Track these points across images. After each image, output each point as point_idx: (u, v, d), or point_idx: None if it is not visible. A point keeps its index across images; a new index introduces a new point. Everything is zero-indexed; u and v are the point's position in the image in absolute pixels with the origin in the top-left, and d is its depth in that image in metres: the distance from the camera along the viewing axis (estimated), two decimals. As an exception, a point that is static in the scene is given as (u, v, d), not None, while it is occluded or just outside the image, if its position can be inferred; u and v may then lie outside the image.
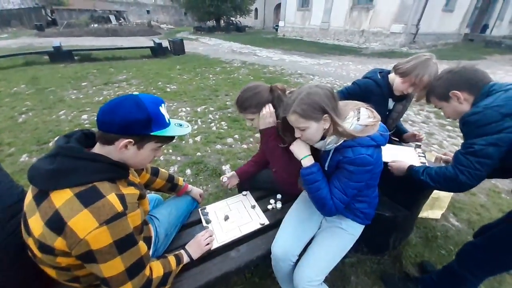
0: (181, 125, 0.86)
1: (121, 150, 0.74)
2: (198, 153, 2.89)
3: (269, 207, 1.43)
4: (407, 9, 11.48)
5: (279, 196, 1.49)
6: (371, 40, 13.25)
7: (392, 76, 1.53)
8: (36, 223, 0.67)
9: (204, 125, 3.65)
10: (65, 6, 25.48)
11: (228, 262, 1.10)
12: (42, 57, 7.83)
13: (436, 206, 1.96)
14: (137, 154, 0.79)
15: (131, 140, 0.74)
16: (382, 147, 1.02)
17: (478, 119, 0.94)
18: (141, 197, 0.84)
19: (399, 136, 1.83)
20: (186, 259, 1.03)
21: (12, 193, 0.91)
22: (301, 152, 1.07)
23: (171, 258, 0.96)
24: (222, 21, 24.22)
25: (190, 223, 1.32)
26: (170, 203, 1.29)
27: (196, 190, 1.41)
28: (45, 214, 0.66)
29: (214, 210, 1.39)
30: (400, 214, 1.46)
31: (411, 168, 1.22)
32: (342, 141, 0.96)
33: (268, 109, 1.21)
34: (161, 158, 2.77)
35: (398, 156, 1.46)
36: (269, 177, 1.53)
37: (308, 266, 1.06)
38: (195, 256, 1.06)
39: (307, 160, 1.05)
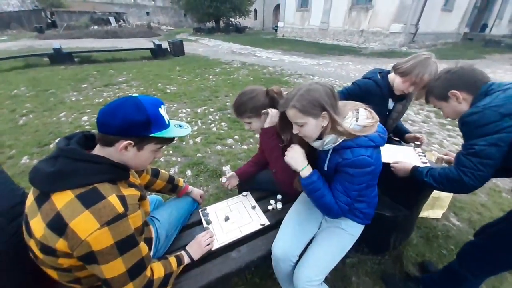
0: (180, 126, 0.87)
1: (121, 151, 0.75)
2: (199, 154, 2.90)
3: (269, 207, 1.43)
4: (406, 9, 11.50)
5: (279, 196, 1.50)
6: (370, 40, 13.27)
7: (392, 76, 1.53)
8: (37, 225, 0.67)
9: (204, 126, 3.65)
10: (64, 8, 25.54)
11: (228, 263, 1.10)
12: (42, 59, 7.85)
13: (437, 205, 1.96)
14: (137, 156, 0.79)
15: (131, 141, 0.74)
16: (381, 147, 1.02)
17: (477, 119, 0.94)
18: (142, 198, 0.84)
19: (400, 136, 1.83)
20: (186, 260, 1.03)
21: (14, 195, 0.91)
22: (298, 164, 1.05)
23: (172, 259, 0.96)
24: (222, 22, 24.26)
25: (191, 224, 1.33)
26: (171, 204, 1.29)
27: (196, 191, 1.41)
28: (46, 215, 0.66)
29: (215, 211, 1.40)
30: (401, 214, 1.46)
31: (415, 169, 1.22)
32: (341, 141, 0.96)
33: (275, 111, 1.22)
34: (162, 159, 2.78)
35: (397, 156, 1.46)
36: (269, 177, 1.53)
37: (308, 266, 1.07)
38: (195, 256, 1.06)
39: (305, 171, 1.04)
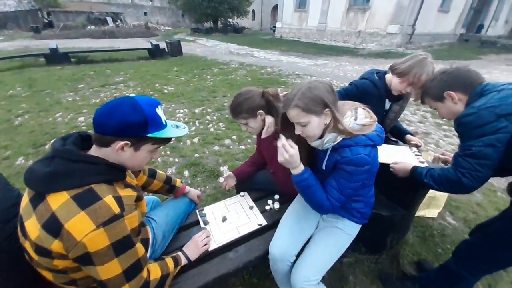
0: (178, 127, 0.87)
1: (118, 152, 0.74)
2: (196, 155, 2.89)
3: (267, 207, 1.43)
4: (403, 9, 11.57)
5: (276, 196, 1.50)
6: (367, 41, 13.33)
7: (389, 77, 1.54)
8: (32, 226, 0.67)
9: (202, 127, 3.65)
10: (61, 8, 25.37)
11: (226, 263, 1.10)
12: (38, 60, 7.79)
13: (433, 205, 1.97)
14: (134, 156, 0.79)
15: (127, 142, 0.74)
16: (378, 147, 1.03)
17: (473, 120, 0.95)
18: (138, 199, 0.84)
19: (400, 136, 1.82)
20: (183, 260, 1.03)
21: (9, 196, 0.90)
22: (292, 165, 1.00)
23: (169, 260, 0.96)
24: (220, 23, 24.27)
25: (188, 225, 1.32)
26: (168, 205, 1.29)
27: (194, 192, 1.41)
28: (41, 217, 0.65)
29: (212, 211, 1.39)
30: (397, 213, 1.47)
31: (414, 169, 1.22)
32: (340, 140, 0.96)
33: (270, 119, 1.22)
34: (159, 159, 2.77)
35: (395, 156, 1.47)
36: (267, 178, 1.54)
37: (306, 266, 1.07)
38: (192, 257, 1.06)
39: (297, 168, 1.01)
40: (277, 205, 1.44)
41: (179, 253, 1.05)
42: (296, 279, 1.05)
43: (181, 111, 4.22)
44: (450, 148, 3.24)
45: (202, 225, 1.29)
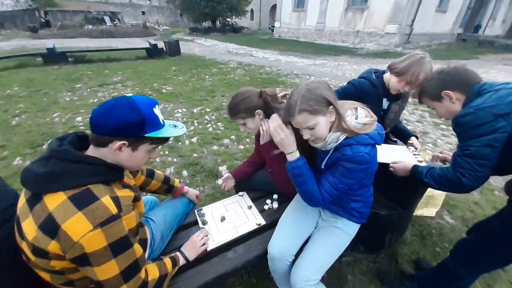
0: (175, 126, 0.86)
1: (115, 152, 0.74)
2: (195, 154, 2.89)
3: (266, 207, 1.43)
4: (401, 9, 11.61)
5: (275, 196, 1.50)
6: (366, 41, 13.36)
7: (387, 76, 1.54)
8: (29, 227, 0.66)
9: (200, 126, 3.64)
10: (59, 8, 25.22)
11: (225, 263, 1.10)
12: (35, 59, 7.74)
13: (431, 204, 1.98)
14: (131, 156, 0.78)
15: (125, 142, 0.73)
16: (377, 146, 1.03)
17: (471, 120, 0.95)
18: (136, 199, 0.84)
19: (402, 137, 1.80)
20: (182, 261, 1.03)
21: (6, 197, 0.89)
22: (286, 147, 1.01)
23: (167, 260, 0.95)
24: (218, 22, 24.22)
25: (187, 225, 1.32)
26: (166, 205, 1.29)
27: (192, 192, 1.40)
28: (38, 217, 0.65)
29: (211, 211, 1.39)
30: (395, 212, 1.48)
31: (415, 168, 1.22)
32: (342, 139, 0.96)
33: (267, 126, 1.21)
34: (157, 159, 2.76)
35: (394, 155, 1.47)
36: (266, 178, 1.53)
37: (305, 265, 1.07)
38: (191, 257, 1.06)
39: (292, 155, 1.02)
40: (275, 205, 1.44)
41: (178, 253, 1.04)
42: (295, 279, 1.05)
43: (180, 111, 4.21)
44: (448, 147, 3.26)
45: (200, 225, 1.29)
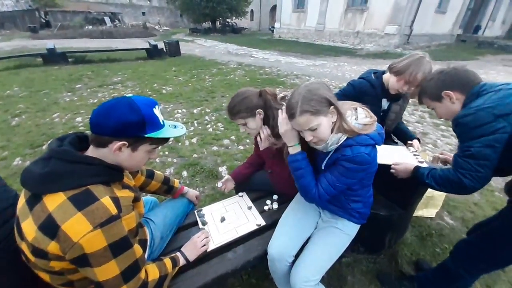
0: (175, 127, 0.86)
1: (115, 152, 0.74)
2: (195, 155, 2.88)
3: (266, 208, 1.43)
4: (401, 10, 11.62)
5: (275, 197, 1.50)
6: (365, 41, 13.38)
7: (386, 76, 1.55)
8: (29, 227, 0.66)
9: (200, 127, 3.64)
10: (59, 8, 25.24)
11: (224, 264, 1.10)
12: (35, 60, 7.75)
13: (431, 204, 1.98)
14: (131, 157, 0.78)
15: (125, 142, 0.73)
16: (377, 146, 1.03)
17: (471, 121, 0.95)
18: (136, 199, 0.84)
19: (404, 139, 1.79)
20: (182, 261, 1.03)
21: (5, 197, 0.89)
22: (289, 139, 1.04)
23: (167, 261, 0.95)
24: (218, 23, 24.25)
25: (186, 225, 1.32)
26: (166, 206, 1.28)
27: (192, 192, 1.40)
28: (38, 218, 0.65)
29: (210, 212, 1.39)
30: (395, 213, 1.48)
31: (416, 169, 1.21)
32: (343, 140, 0.96)
33: (265, 132, 1.23)
34: (157, 160, 2.76)
35: (394, 156, 1.47)
36: (265, 178, 1.53)
37: (305, 266, 1.07)
38: (191, 258, 1.06)
39: (294, 148, 1.05)
40: (275, 206, 1.44)
41: (178, 253, 1.04)
42: (295, 279, 1.05)
43: (180, 111, 4.22)
44: (447, 148, 3.26)
45: (200, 225, 1.29)
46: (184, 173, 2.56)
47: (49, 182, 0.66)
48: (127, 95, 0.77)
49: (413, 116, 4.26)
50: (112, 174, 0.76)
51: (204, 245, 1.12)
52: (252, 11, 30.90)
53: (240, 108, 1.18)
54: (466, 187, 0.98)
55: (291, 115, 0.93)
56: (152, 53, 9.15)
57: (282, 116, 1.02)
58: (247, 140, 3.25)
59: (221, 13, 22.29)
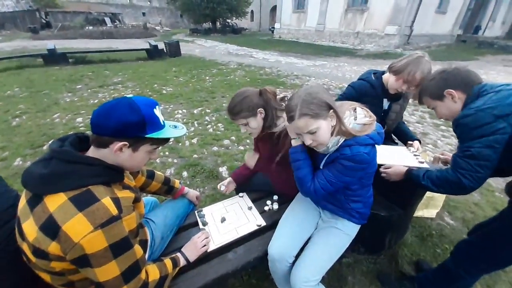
0: (176, 127, 0.86)
1: (116, 153, 0.74)
2: (195, 155, 2.89)
3: (266, 208, 1.43)
4: (401, 11, 11.62)
5: (275, 197, 1.50)
6: (366, 42, 13.38)
7: (386, 76, 1.55)
8: (30, 228, 0.66)
9: (200, 127, 3.64)
10: (59, 9, 25.29)
11: (225, 264, 1.10)
12: (36, 60, 7.76)
13: (431, 205, 1.98)
14: (132, 157, 0.78)
15: (126, 142, 0.73)
16: (376, 147, 1.03)
17: (471, 121, 0.95)
18: (136, 200, 0.84)
19: (404, 139, 1.78)
20: (182, 262, 1.03)
21: (6, 197, 0.90)
22: (293, 133, 1.05)
23: (168, 261, 0.95)
24: (218, 23, 24.28)
25: (187, 226, 1.32)
26: (167, 206, 1.29)
27: (192, 193, 1.40)
28: (39, 218, 0.65)
29: (211, 212, 1.39)
30: (395, 213, 1.47)
31: (410, 172, 1.21)
32: (342, 141, 0.97)
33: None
34: (158, 160, 2.76)
35: (394, 156, 1.47)
36: (265, 178, 1.53)
37: (305, 266, 1.07)
38: (191, 258, 1.06)
39: (295, 141, 1.07)
40: (276, 206, 1.44)
41: (178, 254, 1.04)
42: (295, 279, 1.05)
43: (180, 111, 4.22)
44: (448, 148, 3.26)
45: (201, 226, 1.29)
46: (185, 174, 2.56)
47: (50, 183, 0.66)
48: (127, 96, 0.77)
49: (413, 116, 4.26)
50: (112, 175, 0.76)
51: (205, 245, 1.12)
52: (252, 11, 30.93)
53: (241, 107, 1.18)
54: (465, 188, 0.98)
55: (290, 118, 0.93)
56: (153, 53, 9.16)
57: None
58: (247, 141, 3.25)
59: (222, 14, 22.33)
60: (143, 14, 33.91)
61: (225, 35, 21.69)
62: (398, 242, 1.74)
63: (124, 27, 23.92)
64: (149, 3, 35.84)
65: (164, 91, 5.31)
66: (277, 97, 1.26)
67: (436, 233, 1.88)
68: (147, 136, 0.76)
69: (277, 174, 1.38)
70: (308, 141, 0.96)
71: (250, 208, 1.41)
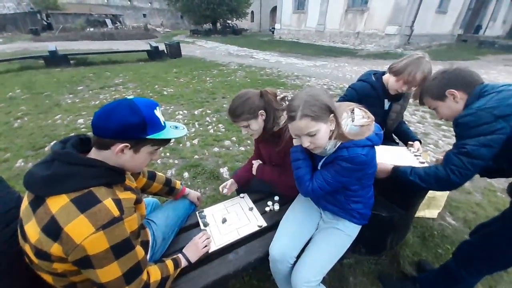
0: (176, 128, 0.87)
1: (118, 154, 0.74)
2: (196, 156, 2.89)
3: (267, 209, 1.43)
4: (401, 11, 11.62)
5: (276, 198, 1.50)
6: (366, 42, 13.38)
7: (386, 77, 1.55)
8: (32, 229, 0.67)
9: (201, 128, 3.65)
10: (60, 10, 25.40)
11: (226, 265, 1.10)
12: (37, 62, 7.79)
13: (433, 205, 1.97)
14: (133, 158, 0.79)
15: (127, 144, 0.74)
16: (376, 147, 1.03)
17: (471, 120, 0.95)
18: (138, 201, 0.84)
19: (405, 140, 1.77)
20: (184, 262, 1.03)
21: (8, 199, 0.90)
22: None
23: (169, 262, 0.95)
24: (219, 24, 24.34)
25: (188, 227, 1.32)
26: (168, 207, 1.29)
27: (193, 193, 1.41)
28: (41, 220, 0.65)
29: (212, 213, 1.39)
30: (397, 214, 1.47)
31: (397, 168, 1.21)
32: (339, 144, 0.97)
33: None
34: (159, 161, 2.77)
35: (394, 157, 1.47)
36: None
37: (306, 267, 1.07)
38: (193, 259, 1.06)
39: (296, 141, 1.07)
40: (277, 207, 1.44)
41: (179, 255, 1.05)
42: (296, 280, 1.05)
43: (181, 112, 4.23)
44: (449, 148, 3.24)
45: (202, 227, 1.29)
46: (186, 174, 2.56)
47: (52, 185, 0.67)
48: (128, 97, 0.77)
49: (414, 116, 4.25)
50: (114, 176, 0.77)
51: (206, 246, 1.13)
52: (252, 12, 30.97)
53: (242, 110, 1.18)
54: (453, 184, 0.99)
55: (291, 117, 0.93)
56: (153, 54, 9.20)
57: None
58: (248, 141, 3.25)
59: (222, 15, 22.35)
60: (144, 15, 34.05)
61: (226, 36, 21.73)
62: (400, 242, 1.74)
63: (125, 28, 24.02)
64: (149, 4, 35.97)
65: (165, 92, 5.33)
66: (278, 97, 1.26)
67: (437, 233, 1.87)
68: (148, 137, 0.76)
69: (277, 176, 1.38)
70: (306, 143, 0.95)
71: (251, 209, 1.41)
